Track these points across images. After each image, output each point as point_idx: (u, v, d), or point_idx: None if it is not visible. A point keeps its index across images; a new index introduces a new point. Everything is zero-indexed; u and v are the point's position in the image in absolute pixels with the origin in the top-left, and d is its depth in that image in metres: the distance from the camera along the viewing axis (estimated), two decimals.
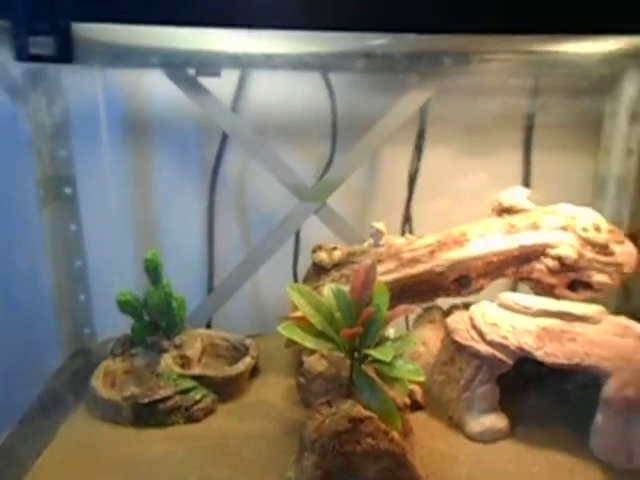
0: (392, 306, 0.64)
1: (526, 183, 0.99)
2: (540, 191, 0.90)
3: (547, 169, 0.98)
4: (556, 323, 0.67)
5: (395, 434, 0.56)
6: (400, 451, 0.55)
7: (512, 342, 0.65)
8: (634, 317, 0.69)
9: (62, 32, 0.36)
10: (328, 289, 0.64)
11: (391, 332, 0.66)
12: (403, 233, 0.96)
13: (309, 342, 0.59)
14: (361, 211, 0.99)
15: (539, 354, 0.64)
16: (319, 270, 0.82)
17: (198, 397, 0.70)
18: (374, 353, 0.57)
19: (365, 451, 0.54)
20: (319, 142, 0.93)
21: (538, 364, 0.64)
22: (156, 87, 0.91)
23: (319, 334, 0.60)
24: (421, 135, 0.93)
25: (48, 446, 0.64)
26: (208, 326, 0.98)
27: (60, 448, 0.63)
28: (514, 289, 0.91)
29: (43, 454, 0.62)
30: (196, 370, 0.76)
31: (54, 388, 0.77)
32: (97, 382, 0.72)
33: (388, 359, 0.56)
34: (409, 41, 0.75)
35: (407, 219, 0.96)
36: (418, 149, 0.94)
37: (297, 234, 0.94)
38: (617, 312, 0.70)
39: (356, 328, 0.59)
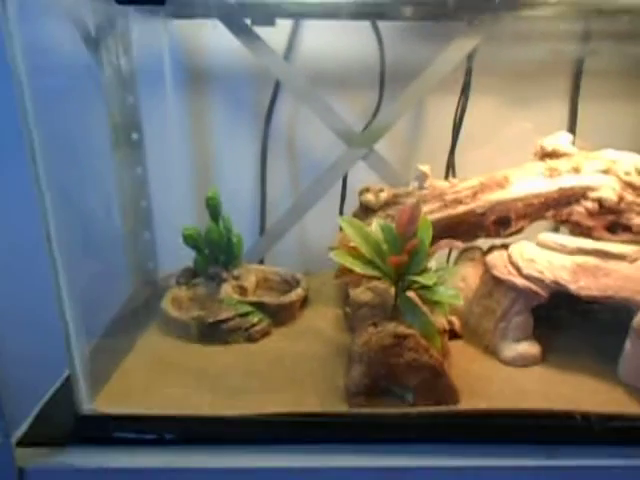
0: (435, 244, 0.69)
1: (572, 132, 1.00)
2: (586, 139, 0.91)
3: (594, 118, 0.99)
4: (591, 260, 0.70)
5: (434, 351, 0.62)
6: (438, 364, 0.61)
7: (547, 276, 0.70)
8: None
9: None
10: (376, 224, 0.70)
11: (433, 265, 0.72)
12: (446, 180, 0.99)
13: (358, 267, 0.66)
14: (406, 157, 1.03)
15: (573, 287, 0.68)
16: (366, 210, 0.87)
17: (255, 320, 0.78)
18: (418, 278, 0.63)
19: (407, 363, 0.61)
20: (367, 90, 0.96)
21: (573, 298, 0.69)
22: (214, 37, 0.96)
23: (368, 262, 0.66)
24: (467, 83, 0.95)
25: (128, 355, 0.73)
26: (261, 264, 1.06)
27: (138, 357, 0.73)
28: (555, 232, 0.94)
29: (124, 361, 0.72)
30: (253, 298, 0.84)
31: (129, 309, 0.87)
32: (167, 305, 0.81)
33: (431, 283, 0.61)
34: None
35: (450, 166, 1.00)
36: (464, 97, 0.96)
37: (344, 178, 0.99)
38: None
39: (402, 257, 0.65)
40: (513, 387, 0.66)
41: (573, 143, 0.82)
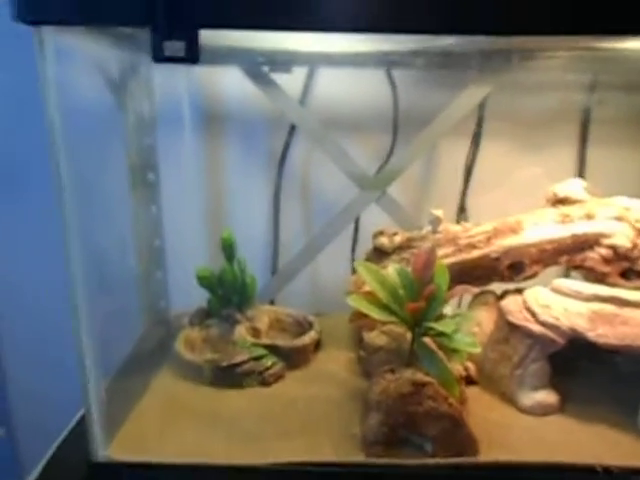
0: (450, 289, 0.69)
1: (580, 177, 1.01)
2: (594, 186, 0.93)
3: (602, 165, 1.00)
4: (608, 307, 0.70)
5: (453, 399, 0.61)
6: (458, 414, 0.60)
7: (564, 323, 0.70)
8: None
9: (192, 38, 0.43)
10: (392, 268, 0.70)
11: (449, 310, 0.72)
12: (458, 223, 1.00)
13: (375, 313, 0.66)
14: (418, 201, 1.04)
15: (591, 335, 0.68)
16: (380, 254, 0.87)
17: (269, 364, 0.78)
18: (436, 325, 0.63)
19: (426, 412, 0.60)
20: (381, 135, 0.99)
21: (590, 346, 0.68)
22: (231, 83, 0.99)
23: (384, 307, 0.67)
24: (479, 128, 0.97)
25: (142, 398, 0.72)
26: (272, 305, 1.06)
27: (152, 400, 0.72)
28: (566, 277, 0.94)
29: (139, 404, 0.71)
30: (266, 340, 0.84)
31: (141, 350, 0.86)
32: (180, 346, 0.80)
33: (449, 331, 0.61)
34: (471, 40, 0.80)
35: (462, 210, 1.01)
36: (475, 142, 0.98)
37: (357, 221, 1.01)
38: None
39: (420, 303, 0.65)
40: (532, 436, 0.65)
41: (586, 190, 0.83)
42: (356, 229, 1.01)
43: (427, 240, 0.84)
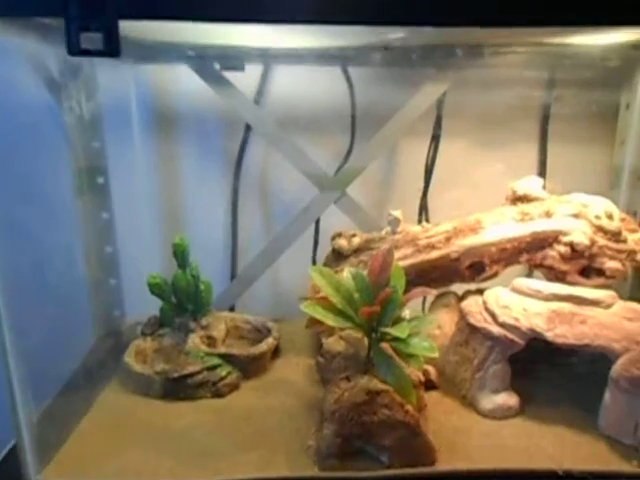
0: (408, 291, 0.67)
1: (542, 175, 1.01)
2: (556, 182, 0.92)
3: (563, 161, 0.99)
4: (567, 306, 0.69)
5: (410, 407, 0.59)
6: (414, 422, 0.58)
7: (523, 324, 0.68)
8: None
9: (110, 29, 0.40)
10: (347, 272, 0.68)
11: (407, 313, 0.70)
12: (420, 223, 0.98)
13: (330, 320, 0.63)
14: (379, 201, 1.02)
15: (549, 335, 0.66)
16: (338, 256, 0.85)
17: (224, 373, 0.74)
18: (391, 330, 0.60)
19: (381, 421, 0.57)
20: (339, 134, 0.96)
21: (549, 346, 0.67)
22: (183, 81, 0.95)
23: (339, 313, 0.64)
24: (438, 126, 0.95)
25: (86, 415, 0.68)
26: (231, 310, 1.02)
27: (96, 417, 0.68)
28: (529, 276, 0.93)
29: (81, 422, 0.67)
30: (221, 349, 0.80)
31: (89, 364, 0.82)
32: (130, 358, 0.76)
33: (404, 336, 0.59)
34: (425, 34, 0.79)
35: (423, 209, 0.99)
36: (435, 140, 0.96)
37: (317, 222, 0.98)
38: (631, 300, 0.72)
39: (374, 307, 0.62)
40: (492, 442, 0.63)
41: (544, 187, 0.82)
42: (317, 231, 0.99)
43: (386, 242, 0.82)
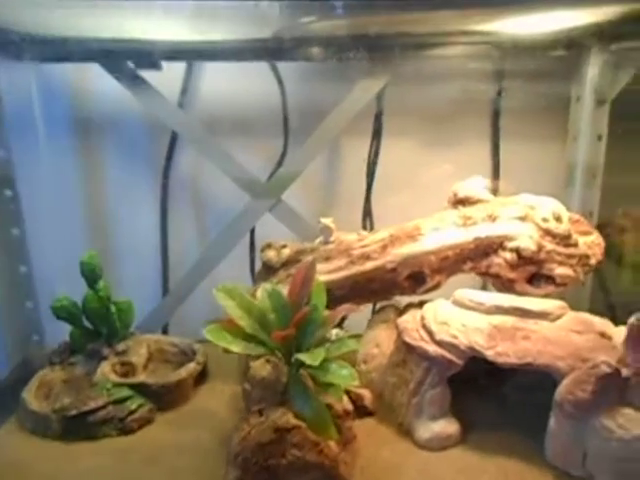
0: (331, 308, 0.60)
1: (495, 173, 0.94)
2: (509, 181, 0.86)
3: (517, 159, 0.93)
4: (509, 320, 0.62)
5: (327, 444, 0.52)
6: (329, 463, 0.50)
7: (462, 341, 0.61)
8: (611, 311, 0.64)
9: None
10: (262, 290, 0.60)
11: (333, 333, 0.62)
12: (365, 228, 0.91)
13: (237, 347, 0.55)
14: (320, 207, 0.95)
15: (490, 354, 0.59)
16: (268, 270, 0.77)
17: (134, 407, 0.66)
18: (302, 357, 0.53)
19: (290, 464, 0.50)
20: (271, 137, 0.89)
21: (492, 365, 0.60)
22: (101, 82, 0.87)
23: (250, 338, 0.56)
24: (378, 125, 0.88)
25: None
26: (165, 331, 0.94)
27: None
28: (484, 287, 0.87)
29: None
30: (140, 377, 0.72)
31: None
32: (29, 394, 0.68)
33: (316, 363, 0.51)
34: (358, 23, 0.72)
35: (367, 214, 0.92)
36: (376, 139, 0.89)
37: (252, 232, 0.91)
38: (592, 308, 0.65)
39: (288, 330, 0.55)
40: (427, 479, 0.56)
41: (493, 188, 0.76)
42: (252, 242, 0.91)
43: (318, 252, 0.75)
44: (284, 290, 0.62)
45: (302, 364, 0.57)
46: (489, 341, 0.60)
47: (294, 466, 0.50)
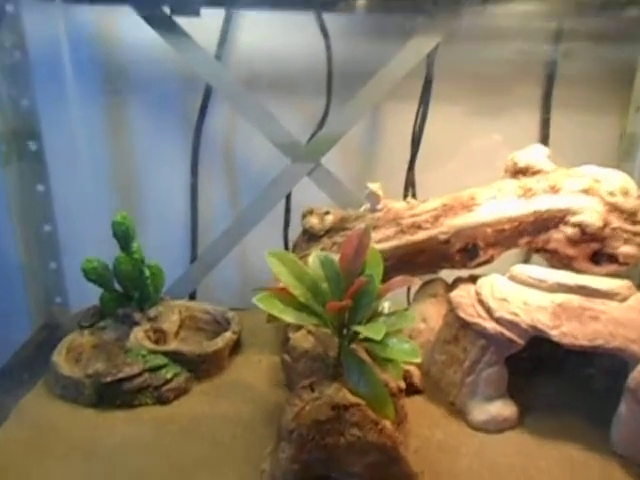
0: (389, 278, 0.56)
1: (544, 144, 0.89)
2: (560, 153, 0.80)
3: (568, 129, 0.87)
4: (575, 299, 0.58)
5: (386, 424, 0.48)
6: (391, 444, 0.47)
7: (524, 319, 0.57)
8: None
9: None
10: (314, 257, 0.56)
11: (385, 306, 0.58)
12: (405, 199, 0.86)
13: (289, 316, 0.51)
14: (359, 173, 0.90)
15: (555, 334, 0.56)
16: (310, 237, 0.73)
17: (169, 376, 0.63)
18: (363, 330, 0.49)
19: (350, 444, 0.47)
20: (313, 95, 0.83)
21: (554, 345, 0.56)
22: (132, 28, 0.81)
23: (302, 307, 0.52)
24: (427, 89, 0.82)
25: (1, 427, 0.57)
26: (192, 298, 0.91)
27: (11, 430, 0.57)
28: (527, 261, 0.83)
29: None
30: (172, 345, 0.69)
31: (15, 363, 0.70)
32: (59, 357, 0.65)
33: (379, 337, 0.47)
34: None
35: (410, 184, 0.87)
36: (424, 105, 0.84)
37: (288, 197, 0.86)
38: None
39: (344, 301, 0.51)
40: (484, 462, 0.53)
41: (549, 157, 0.70)
42: (287, 208, 0.87)
43: (364, 220, 0.70)
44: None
45: (356, 337, 0.53)
46: (554, 320, 0.56)
47: (354, 447, 0.46)
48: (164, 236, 0.91)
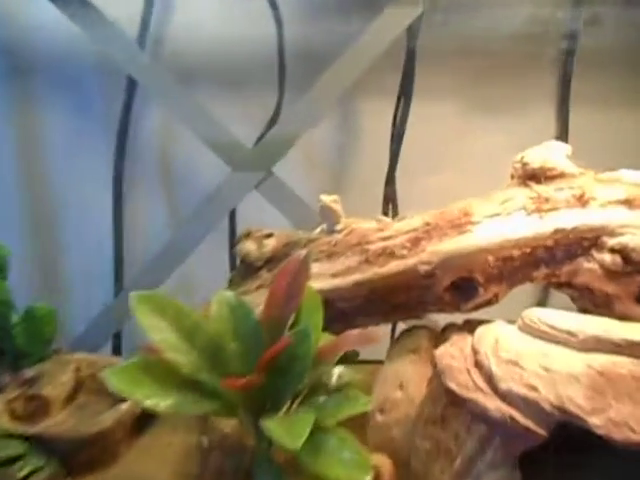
0: (343, 329, 0.38)
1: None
2: (580, 155, 0.61)
3: (590, 126, 0.69)
4: (624, 363, 0.38)
5: None
6: None
7: (546, 396, 0.37)
8: None
9: None
10: (218, 301, 0.37)
11: (335, 374, 0.39)
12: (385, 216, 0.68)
13: (165, 400, 0.32)
14: (327, 186, 0.73)
15: (596, 422, 0.35)
16: (247, 268, 0.54)
17: (25, 472, 0.43)
18: (273, 430, 0.29)
19: None
20: (262, 88, 0.68)
21: (590, 436, 0.36)
22: (37, 9, 0.65)
23: (188, 384, 0.33)
24: (408, 76, 0.65)
25: None
26: (117, 338, 0.72)
27: None
28: (544, 303, 0.65)
29: None
30: (51, 420, 0.50)
31: None
32: None
33: (296, 446, 0.28)
34: None
35: (389, 198, 0.69)
36: (405, 97, 0.66)
37: (232, 216, 0.69)
38: None
39: (251, 376, 0.31)
40: None
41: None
42: (232, 229, 0.69)
43: (317, 245, 0.51)
44: (260, 301, 0.40)
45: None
46: (592, 398, 0.36)
47: None
48: (85, 264, 0.74)
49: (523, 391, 0.38)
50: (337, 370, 0.40)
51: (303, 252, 0.41)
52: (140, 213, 0.73)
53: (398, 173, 0.68)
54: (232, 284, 0.57)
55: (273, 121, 0.66)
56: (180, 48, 0.67)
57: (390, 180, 0.69)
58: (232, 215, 0.69)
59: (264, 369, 0.32)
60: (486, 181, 0.57)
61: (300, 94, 0.63)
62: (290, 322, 0.37)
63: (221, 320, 0.36)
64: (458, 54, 0.65)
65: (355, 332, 0.38)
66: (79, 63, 0.68)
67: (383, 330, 0.57)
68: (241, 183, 0.65)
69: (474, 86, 0.68)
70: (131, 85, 0.68)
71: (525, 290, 0.56)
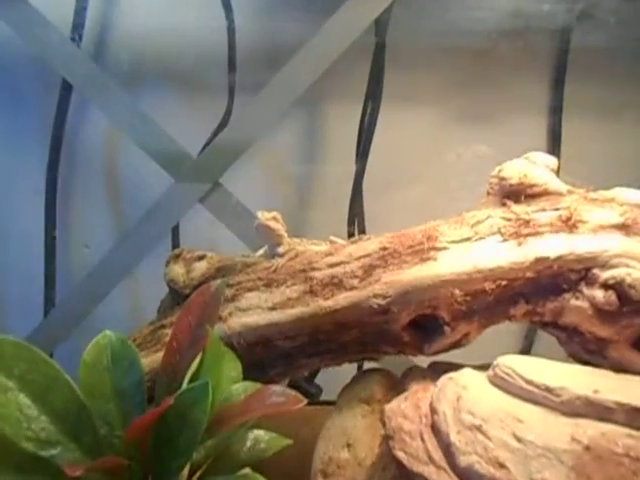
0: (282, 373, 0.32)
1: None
2: (573, 171, 0.53)
3: (582, 136, 0.63)
4: (616, 434, 0.30)
5: None
6: None
7: (516, 478, 0.29)
8: None
9: None
10: (96, 346, 0.29)
11: (249, 439, 0.32)
12: (350, 236, 0.60)
13: None
14: (289, 203, 0.65)
15: None
16: (175, 296, 0.46)
17: None
18: None
19: None
20: (211, 90, 0.61)
21: None
22: None
23: (30, 462, 0.25)
24: (377, 77, 0.58)
25: None
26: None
27: None
28: (527, 349, 0.57)
29: None
30: None
31: None
32: None
33: None
34: None
35: (356, 215, 0.61)
36: (372, 102, 0.59)
37: (175, 232, 0.62)
38: None
39: (111, 458, 0.24)
40: None
41: (558, 172, 0.44)
42: (175, 245, 0.62)
43: (255, 270, 0.43)
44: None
45: None
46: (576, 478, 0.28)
47: None
48: (14, 280, 0.66)
49: (487, 470, 0.30)
50: (252, 435, 0.31)
51: (215, 283, 0.33)
52: (76, 227, 0.66)
53: (366, 185, 0.61)
54: (159, 314, 0.49)
55: (222, 126, 0.58)
56: (119, 43, 0.60)
57: (356, 194, 0.61)
58: (175, 230, 0.61)
59: (139, 439, 0.24)
60: (464, 199, 0.50)
61: (252, 95, 0.56)
62: (185, 374, 0.29)
63: (97, 371, 0.28)
64: (433, 51, 0.57)
65: (276, 390, 0.30)
66: (14, 62, 0.61)
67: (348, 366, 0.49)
68: (184, 195, 0.58)
69: (452, 88, 0.61)
70: (65, 86, 0.61)
71: (509, 329, 0.48)
